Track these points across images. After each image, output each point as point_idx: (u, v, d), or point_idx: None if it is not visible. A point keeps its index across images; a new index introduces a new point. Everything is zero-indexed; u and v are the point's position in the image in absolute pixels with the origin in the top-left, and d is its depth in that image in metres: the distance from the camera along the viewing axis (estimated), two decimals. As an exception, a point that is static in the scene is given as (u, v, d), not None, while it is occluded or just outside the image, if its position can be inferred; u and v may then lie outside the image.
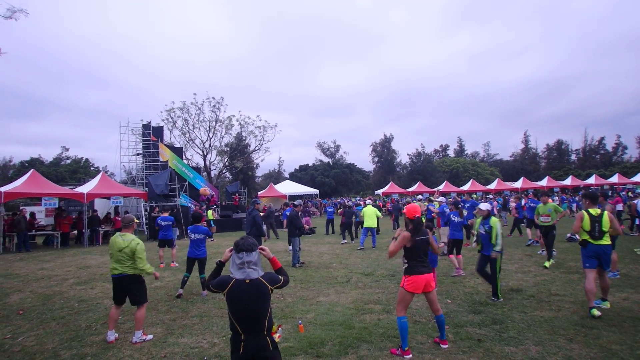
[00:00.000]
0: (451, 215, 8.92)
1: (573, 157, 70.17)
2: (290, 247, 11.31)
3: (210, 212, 19.12)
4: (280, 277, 2.90)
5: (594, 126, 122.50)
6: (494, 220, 6.56)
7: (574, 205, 24.81)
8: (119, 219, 17.95)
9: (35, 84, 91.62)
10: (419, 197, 22.73)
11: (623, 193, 26.82)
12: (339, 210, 26.20)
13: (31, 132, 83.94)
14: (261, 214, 7.61)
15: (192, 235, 7.47)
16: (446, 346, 4.52)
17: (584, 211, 5.88)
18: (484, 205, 7.07)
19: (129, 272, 5.06)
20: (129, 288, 5.10)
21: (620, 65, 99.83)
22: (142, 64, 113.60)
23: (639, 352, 4.18)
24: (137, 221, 5.41)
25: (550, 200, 10.03)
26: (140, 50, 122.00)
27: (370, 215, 13.60)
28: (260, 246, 3.01)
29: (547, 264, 8.96)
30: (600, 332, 4.79)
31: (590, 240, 5.69)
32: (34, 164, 44.79)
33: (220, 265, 2.98)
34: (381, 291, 7.20)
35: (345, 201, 30.47)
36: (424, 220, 5.12)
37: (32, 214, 18.53)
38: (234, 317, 2.64)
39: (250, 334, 2.62)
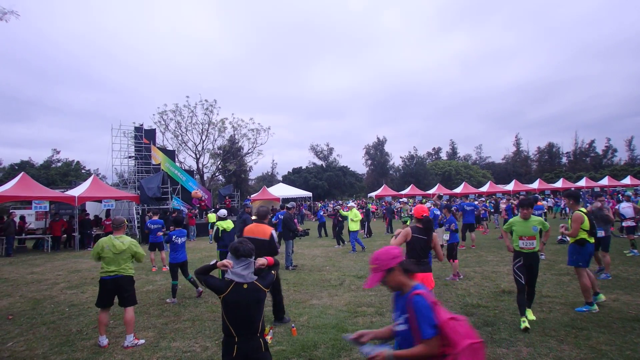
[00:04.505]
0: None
1: (564, 159, 70.96)
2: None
3: (212, 215, 19.08)
4: (272, 272, 2.97)
5: (584, 129, 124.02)
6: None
7: (568, 208, 24.98)
8: (108, 222, 17.79)
9: (25, 84, 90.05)
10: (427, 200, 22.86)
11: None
12: (328, 214, 25.96)
13: (21, 134, 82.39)
14: (253, 217, 7.70)
15: (179, 240, 7.47)
16: None
17: (581, 212, 5.81)
18: (221, 212, 8.02)
19: (125, 273, 5.07)
20: (124, 289, 5.08)
21: (610, 70, 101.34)
22: (134, 64, 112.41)
23: (628, 352, 4.24)
24: (129, 223, 5.43)
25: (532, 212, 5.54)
26: (132, 50, 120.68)
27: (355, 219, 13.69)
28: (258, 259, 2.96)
29: (530, 316, 5.43)
30: (590, 333, 4.85)
31: (588, 239, 5.79)
32: (24, 166, 44.12)
33: (214, 266, 2.85)
34: (374, 294, 7.21)
35: (337, 204, 30.35)
36: None
37: (22, 218, 18.31)
38: (229, 320, 2.65)
39: (245, 336, 2.65)
